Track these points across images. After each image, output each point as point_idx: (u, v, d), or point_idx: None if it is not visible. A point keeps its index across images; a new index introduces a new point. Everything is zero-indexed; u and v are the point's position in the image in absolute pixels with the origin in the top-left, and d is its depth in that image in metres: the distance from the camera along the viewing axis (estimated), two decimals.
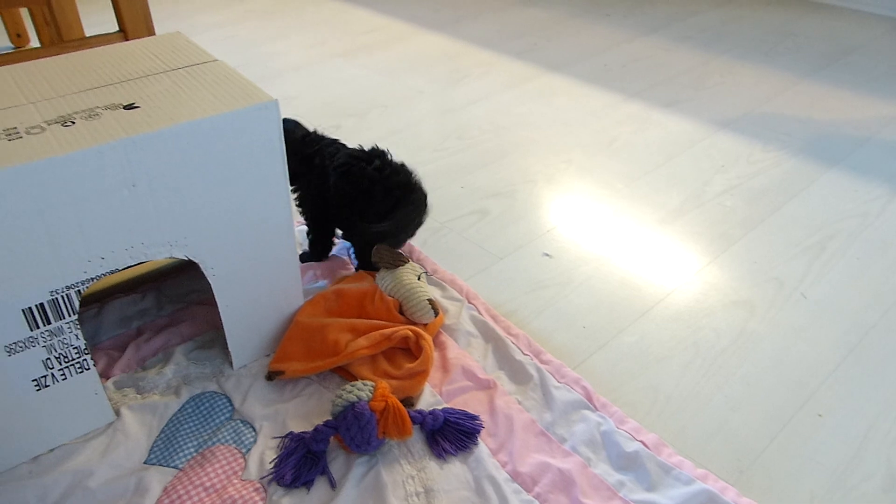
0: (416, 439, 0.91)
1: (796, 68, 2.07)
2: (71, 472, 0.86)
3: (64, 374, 0.86)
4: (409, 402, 0.96)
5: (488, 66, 2.10)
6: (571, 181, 1.51)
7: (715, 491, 0.83)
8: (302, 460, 0.87)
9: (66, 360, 0.85)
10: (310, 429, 0.90)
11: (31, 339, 0.81)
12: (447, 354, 1.04)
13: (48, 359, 0.84)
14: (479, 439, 0.91)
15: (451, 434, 0.90)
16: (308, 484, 0.85)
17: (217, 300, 0.95)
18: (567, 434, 0.92)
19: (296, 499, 0.84)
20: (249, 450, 0.90)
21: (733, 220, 1.38)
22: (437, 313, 1.06)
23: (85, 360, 0.87)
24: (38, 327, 0.81)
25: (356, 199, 1.12)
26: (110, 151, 0.76)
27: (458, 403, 0.96)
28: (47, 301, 0.80)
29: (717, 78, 2.02)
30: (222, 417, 0.95)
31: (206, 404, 0.96)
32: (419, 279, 1.08)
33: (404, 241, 1.21)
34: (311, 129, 1.22)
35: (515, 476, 0.86)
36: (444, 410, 0.92)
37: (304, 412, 0.95)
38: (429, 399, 0.97)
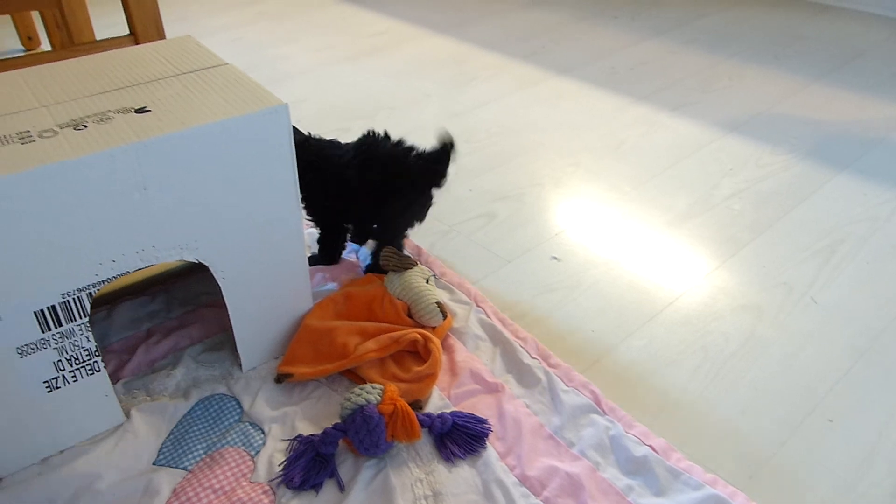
0: (424, 442, 0.91)
1: (805, 71, 2.06)
2: (80, 473, 0.86)
3: (75, 376, 0.86)
4: (417, 405, 0.96)
5: (495, 69, 2.10)
6: (579, 184, 1.51)
7: (724, 496, 0.83)
8: (311, 463, 0.87)
9: (77, 361, 0.86)
10: (318, 431, 0.91)
11: (42, 341, 0.81)
12: (455, 358, 1.04)
13: (59, 360, 0.84)
14: (487, 443, 0.91)
15: (460, 437, 0.90)
16: (317, 487, 0.86)
17: (226, 303, 0.95)
18: (575, 438, 0.92)
19: (304, 501, 0.84)
20: (258, 452, 0.90)
21: (742, 224, 1.38)
22: (445, 316, 1.06)
23: (96, 361, 0.87)
24: (49, 329, 0.81)
25: (387, 181, 1.12)
26: (122, 155, 0.77)
27: (466, 407, 0.96)
28: (59, 303, 0.80)
29: (724, 81, 2.01)
30: (231, 420, 0.95)
31: (216, 406, 0.97)
32: (427, 282, 1.08)
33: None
34: (305, 133, 1.20)
35: (524, 480, 0.86)
36: (453, 414, 0.93)
37: (312, 415, 0.96)
38: (437, 402, 0.97)
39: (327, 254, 1.23)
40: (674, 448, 0.90)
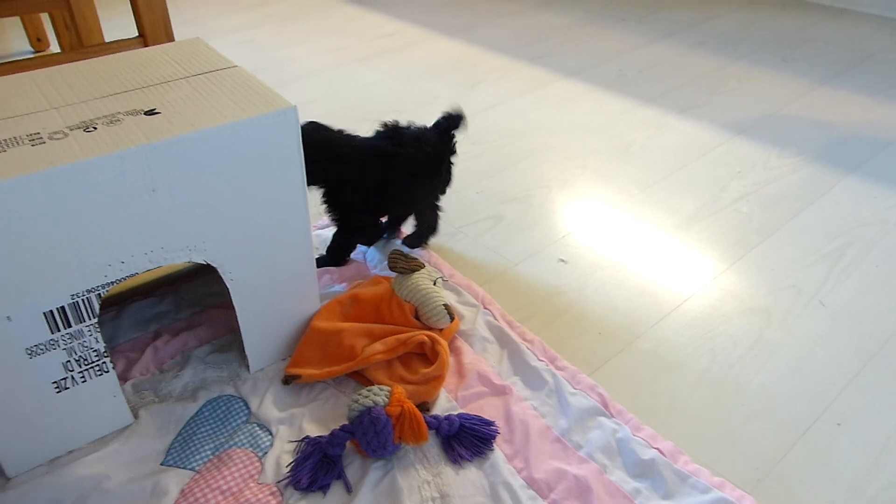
0: (431, 444, 0.91)
1: (813, 73, 2.06)
2: (88, 474, 0.87)
3: (84, 377, 0.87)
4: (424, 407, 0.96)
5: (504, 72, 2.10)
6: (587, 187, 1.51)
7: (732, 500, 0.83)
8: (318, 464, 0.87)
9: (86, 362, 0.86)
10: (326, 433, 0.91)
11: (51, 342, 0.82)
12: (462, 360, 1.04)
13: (68, 361, 0.85)
14: (494, 445, 0.91)
15: (467, 439, 0.90)
16: (324, 488, 0.86)
17: (234, 304, 0.96)
18: (583, 441, 0.91)
19: (312, 503, 0.84)
20: (266, 453, 0.91)
21: (750, 227, 1.37)
22: (452, 318, 1.06)
23: (104, 362, 0.88)
24: (58, 330, 0.82)
25: (429, 166, 1.20)
26: (131, 157, 0.77)
27: (473, 409, 0.96)
28: (68, 304, 0.81)
29: (732, 83, 2.01)
30: (239, 421, 0.95)
31: (223, 407, 0.97)
32: (435, 284, 1.08)
33: None
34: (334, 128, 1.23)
35: (531, 482, 0.86)
36: (460, 416, 0.93)
37: (320, 416, 0.96)
38: (444, 404, 0.97)
39: (337, 255, 1.23)
40: (681, 451, 0.90)
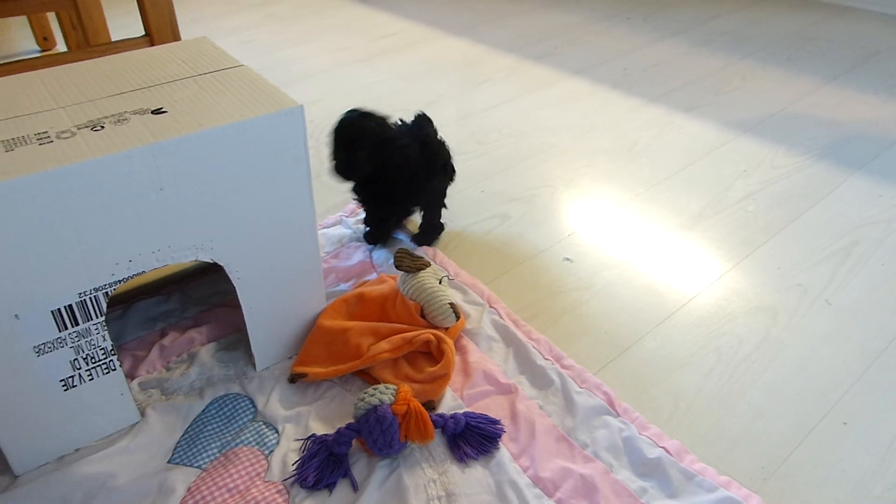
0: (437, 443, 0.91)
1: (819, 72, 2.05)
2: (95, 472, 0.87)
3: (91, 375, 0.87)
4: (430, 405, 0.96)
5: (508, 71, 2.10)
6: (592, 185, 1.51)
7: (738, 498, 0.83)
8: (324, 462, 0.87)
9: (94, 360, 0.87)
10: (332, 431, 0.91)
11: (59, 340, 0.82)
12: (468, 358, 1.04)
13: (76, 359, 0.85)
14: (500, 444, 0.91)
15: (473, 438, 0.91)
16: (330, 486, 0.86)
17: (241, 303, 0.96)
18: (588, 440, 0.91)
19: (318, 501, 0.85)
20: (272, 451, 0.91)
21: (756, 226, 1.37)
22: (458, 317, 1.06)
23: (111, 360, 0.88)
24: (66, 328, 0.82)
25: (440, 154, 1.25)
26: (138, 156, 0.77)
27: (479, 407, 0.96)
28: (76, 303, 0.81)
29: (737, 82, 2.00)
30: (245, 419, 0.96)
31: (230, 406, 0.97)
32: (440, 283, 1.08)
33: None
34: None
35: (537, 481, 0.86)
36: (466, 414, 0.93)
37: (326, 415, 0.96)
38: (450, 403, 0.97)
39: (374, 234, 1.30)
40: (687, 450, 0.90)
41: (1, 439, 0.84)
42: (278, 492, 0.86)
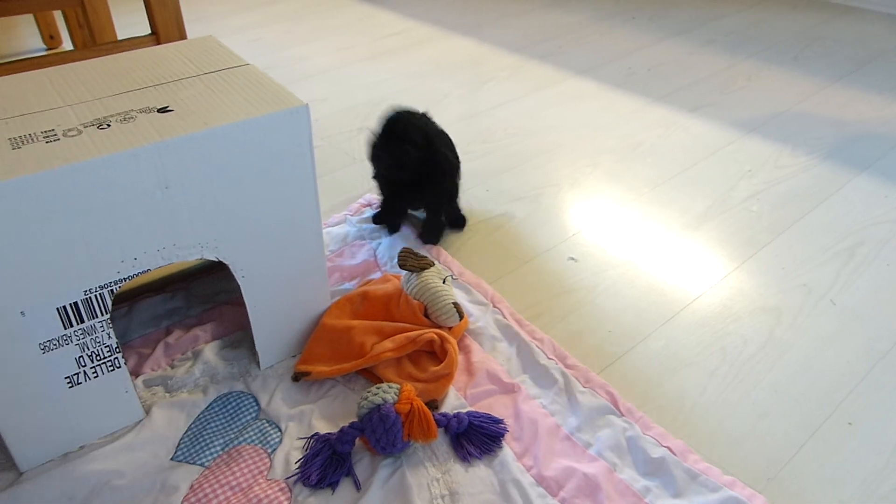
0: (440, 442, 0.92)
1: (825, 72, 2.05)
2: (99, 469, 0.87)
3: (96, 372, 0.87)
4: (433, 404, 0.96)
5: (513, 70, 2.10)
6: (596, 185, 1.51)
7: (742, 498, 0.83)
8: (327, 461, 0.87)
9: (98, 358, 0.87)
10: (335, 430, 0.91)
11: (64, 338, 0.82)
12: (472, 358, 1.04)
13: (80, 357, 0.85)
14: (503, 443, 0.91)
15: (476, 437, 0.91)
16: (333, 485, 0.86)
17: (245, 301, 0.96)
18: (592, 439, 0.91)
19: (321, 499, 0.85)
20: (275, 450, 0.91)
21: (760, 226, 1.37)
22: (461, 317, 1.06)
23: (116, 358, 0.88)
24: (71, 326, 0.82)
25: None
26: (144, 154, 0.77)
27: (482, 407, 0.97)
28: (81, 300, 0.81)
29: (742, 81, 2.00)
30: (248, 417, 0.96)
31: (233, 403, 0.97)
32: (444, 282, 1.09)
33: None
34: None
35: (540, 480, 0.86)
36: (469, 413, 0.93)
37: (329, 413, 0.96)
38: (454, 402, 0.97)
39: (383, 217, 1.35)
40: (691, 450, 0.90)
41: (6, 436, 0.85)
42: (281, 490, 0.86)
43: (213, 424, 0.94)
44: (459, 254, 1.29)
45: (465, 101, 1.90)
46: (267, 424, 0.95)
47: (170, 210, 0.83)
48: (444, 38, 2.35)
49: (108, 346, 0.87)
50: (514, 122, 1.78)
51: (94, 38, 1.42)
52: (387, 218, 1.35)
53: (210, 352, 1.04)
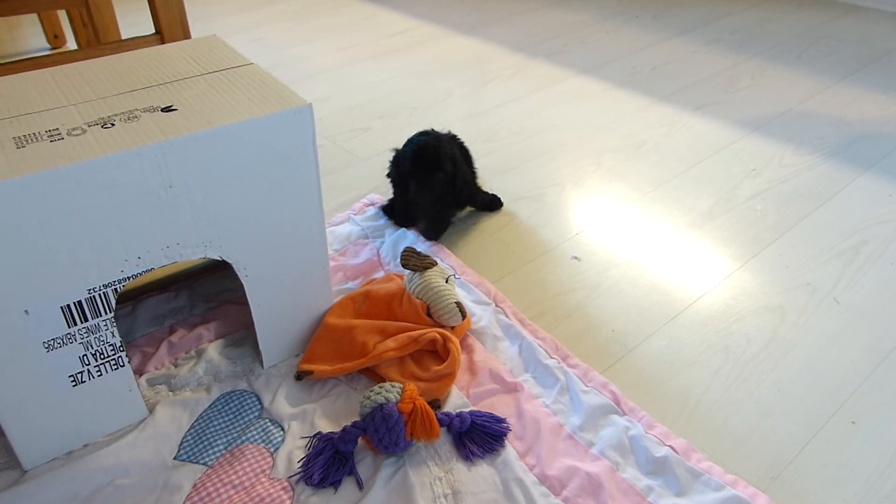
0: (443, 441, 0.92)
1: (829, 71, 2.04)
2: (103, 467, 0.88)
3: (100, 371, 0.88)
4: (435, 404, 0.96)
5: (517, 69, 2.10)
6: (600, 184, 1.51)
7: (745, 497, 0.83)
8: (330, 460, 0.87)
9: (102, 356, 0.87)
10: (338, 429, 0.91)
11: (68, 336, 0.83)
12: (474, 357, 1.04)
13: (84, 355, 0.85)
14: (506, 442, 0.91)
15: (478, 436, 0.91)
16: (336, 484, 0.86)
17: (249, 300, 0.96)
18: (595, 438, 0.91)
19: (323, 498, 0.85)
20: (277, 449, 0.91)
21: (764, 225, 1.37)
22: (464, 316, 1.06)
23: (120, 357, 0.89)
24: (75, 324, 0.82)
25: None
26: (148, 153, 0.78)
27: (485, 406, 0.97)
28: (85, 299, 0.81)
29: (747, 81, 2.00)
30: (251, 416, 0.96)
31: (236, 402, 0.98)
32: (447, 282, 1.09)
33: None
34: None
35: (543, 479, 0.86)
36: (471, 413, 0.93)
37: (332, 412, 0.96)
38: (456, 401, 0.97)
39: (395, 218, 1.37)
40: (694, 448, 0.90)
41: (10, 434, 0.85)
42: (283, 489, 0.86)
43: (215, 423, 0.95)
44: (463, 252, 1.29)
45: (469, 101, 1.90)
46: (270, 423, 0.95)
47: (173, 209, 0.83)
48: (448, 37, 2.35)
49: (111, 344, 0.87)
50: (517, 121, 1.78)
51: (99, 38, 1.42)
52: (395, 214, 1.36)
53: (213, 351, 1.05)
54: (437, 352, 1.03)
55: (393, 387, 0.91)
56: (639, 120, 1.78)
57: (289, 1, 2.74)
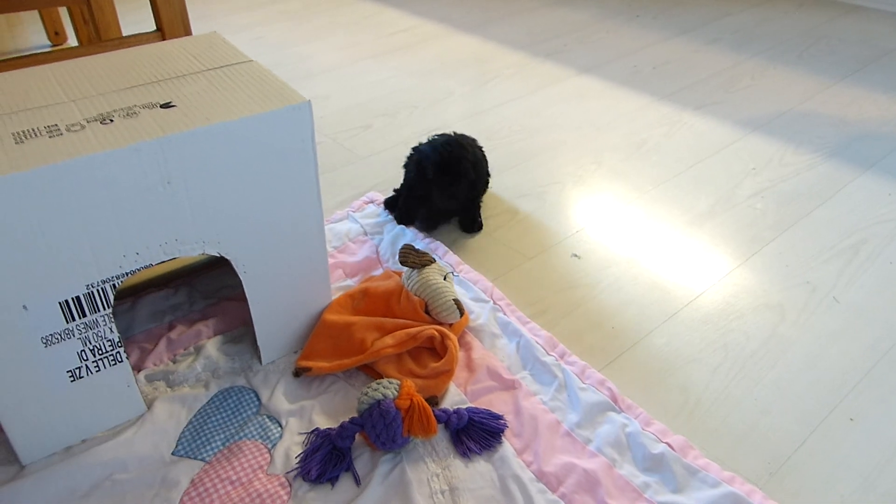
0: (440, 438, 0.92)
1: (830, 71, 2.04)
2: (101, 462, 0.88)
3: (98, 366, 0.88)
4: (433, 401, 0.96)
5: (518, 68, 2.10)
6: (600, 183, 1.51)
7: (741, 494, 0.83)
8: (327, 456, 0.88)
9: (100, 352, 0.87)
10: (335, 425, 0.91)
11: (66, 332, 0.83)
12: (472, 355, 1.04)
13: (83, 351, 0.86)
14: (503, 439, 0.91)
15: (476, 433, 0.91)
16: (333, 480, 0.86)
17: (247, 297, 0.96)
18: (592, 435, 0.92)
19: (321, 494, 0.85)
20: (275, 445, 0.91)
21: (764, 223, 1.37)
22: (462, 313, 1.06)
23: (118, 352, 0.89)
24: (73, 320, 0.83)
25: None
26: (147, 149, 0.78)
27: (483, 403, 0.97)
28: (83, 294, 0.82)
29: (748, 80, 2.00)
30: (249, 412, 0.96)
31: (234, 398, 0.98)
32: (445, 279, 1.09)
33: None
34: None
35: (540, 476, 0.86)
36: (469, 409, 0.93)
37: (330, 409, 0.96)
38: (454, 398, 0.97)
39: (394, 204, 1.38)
40: (692, 445, 0.90)
41: (8, 429, 0.85)
42: (281, 485, 0.86)
43: (214, 419, 0.95)
44: (464, 250, 1.29)
45: (470, 99, 1.90)
46: (268, 419, 0.95)
47: (172, 205, 0.83)
48: (449, 35, 2.35)
49: (110, 340, 0.87)
50: (518, 120, 1.78)
51: (100, 35, 1.42)
52: (398, 212, 1.36)
53: (212, 347, 1.05)
54: (435, 349, 1.03)
55: (391, 383, 0.91)
56: (639, 119, 1.78)
57: (290, 0, 2.74)
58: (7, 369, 0.81)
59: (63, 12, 2.29)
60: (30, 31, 2.34)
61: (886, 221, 1.36)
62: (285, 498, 0.84)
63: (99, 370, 0.88)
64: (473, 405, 0.96)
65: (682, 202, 1.44)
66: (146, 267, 0.85)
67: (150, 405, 0.95)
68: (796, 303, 1.16)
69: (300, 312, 1.04)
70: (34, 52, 1.79)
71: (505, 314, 1.11)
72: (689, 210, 1.41)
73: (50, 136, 0.77)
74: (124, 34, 1.44)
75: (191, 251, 0.88)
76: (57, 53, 1.29)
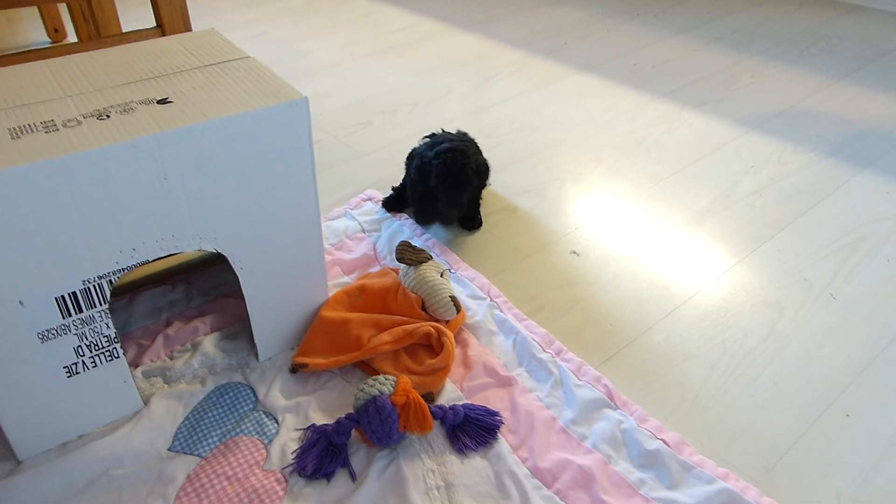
0: (436, 434, 0.92)
1: (829, 70, 2.04)
2: (98, 458, 0.88)
3: (94, 362, 0.88)
4: (429, 397, 0.96)
5: (519, 66, 2.10)
6: (600, 180, 1.51)
7: (736, 490, 0.83)
8: (323, 452, 0.88)
9: (97, 347, 0.87)
10: (332, 421, 0.91)
11: (63, 327, 0.83)
12: (468, 351, 1.04)
13: (79, 346, 0.86)
14: (499, 435, 0.91)
15: (472, 429, 0.91)
16: (329, 476, 0.86)
17: (244, 293, 0.96)
18: (587, 432, 0.92)
19: (317, 490, 0.85)
20: (271, 441, 0.91)
21: (763, 221, 1.36)
22: (459, 310, 1.06)
23: (115, 348, 0.89)
24: (70, 315, 0.83)
25: None
26: (143, 145, 0.78)
27: (479, 400, 0.97)
28: (80, 290, 0.82)
29: (748, 78, 1.99)
30: (246, 408, 0.96)
31: (231, 394, 0.98)
32: (442, 276, 1.09)
33: None
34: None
35: (536, 472, 0.86)
36: (465, 406, 0.93)
37: (326, 405, 0.96)
38: (450, 395, 0.98)
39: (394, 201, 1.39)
40: (687, 442, 0.90)
41: (5, 425, 0.85)
42: (277, 481, 0.86)
43: (210, 415, 0.95)
44: (462, 247, 1.29)
45: (470, 97, 1.90)
46: (264, 416, 0.95)
47: (168, 201, 0.83)
48: (450, 33, 2.35)
49: (106, 336, 0.87)
50: (518, 118, 1.78)
51: (99, 32, 1.43)
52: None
53: (209, 343, 1.05)
54: (432, 345, 1.03)
55: (387, 379, 0.91)
56: (639, 117, 1.78)
57: None
58: (3, 365, 0.81)
59: (63, 9, 2.29)
60: (29, 28, 2.34)
61: (884, 219, 1.36)
62: (281, 494, 0.84)
63: (95, 366, 0.88)
64: (469, 401, 0.96)
65: (682, 200, 1.44)
66: (143, 263, 0.85)
67: (146, 401, 0.96)
68: (794, 300, 1.16)
69: (297, 309, 1.04)
70: (33, 48, 1.79)
71: (502, 311, 1.11)
72: (689, 208, 1.41)
73: (46, 132, 0.78)
74: (124, 31, 1.44)
75: (187, 247, 0.88)
76: (57, 49, 1.29)
